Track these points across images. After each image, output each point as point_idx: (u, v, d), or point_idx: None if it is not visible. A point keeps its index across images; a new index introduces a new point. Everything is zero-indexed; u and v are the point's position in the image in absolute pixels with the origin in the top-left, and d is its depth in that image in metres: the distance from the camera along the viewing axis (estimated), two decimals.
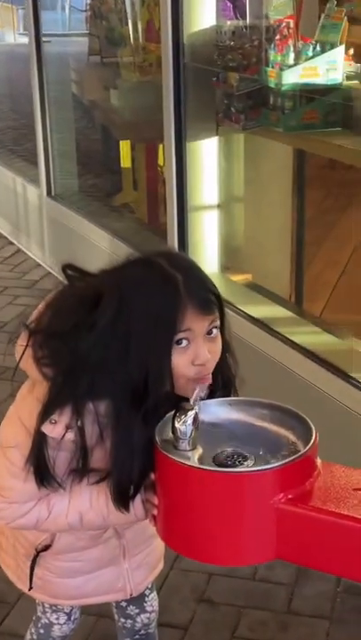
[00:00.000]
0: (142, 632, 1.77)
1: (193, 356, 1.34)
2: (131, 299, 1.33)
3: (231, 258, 3.59)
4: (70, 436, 1.33)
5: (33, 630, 1.74)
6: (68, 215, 4.43)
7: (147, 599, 1.74)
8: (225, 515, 1.28)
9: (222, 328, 1.39)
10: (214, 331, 1.37)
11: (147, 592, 1.73)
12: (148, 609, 1.75)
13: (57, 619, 1.69)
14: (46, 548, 1.54)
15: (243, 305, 3.20)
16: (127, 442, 1.33)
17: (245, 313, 3.14)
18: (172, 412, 1.33)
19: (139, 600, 1.72)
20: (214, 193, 3.41)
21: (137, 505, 1.37)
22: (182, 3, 3.12)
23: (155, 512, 1.35)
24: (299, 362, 2.83)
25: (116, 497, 1.37)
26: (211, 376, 1.37)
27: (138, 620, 1.75)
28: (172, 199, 3.36)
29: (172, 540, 1.35)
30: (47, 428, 1.33)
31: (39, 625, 1.72)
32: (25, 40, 4.82)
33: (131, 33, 4.38)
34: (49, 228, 4.65)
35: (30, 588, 1.60)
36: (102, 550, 1.56)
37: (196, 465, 1.28)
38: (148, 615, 1.75)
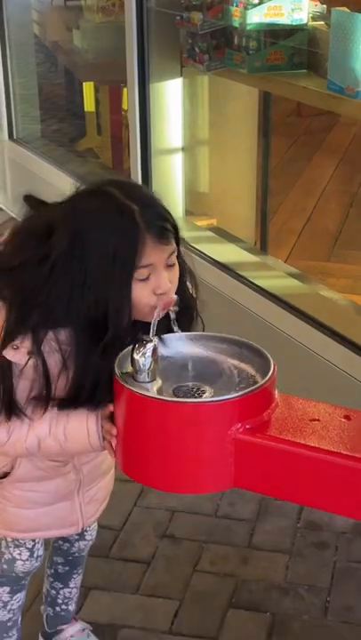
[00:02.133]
0: (76, 554, 1.83)
1: (155, 286, 1.35)
2: (85, 231, 1.32)
3: (195, 202, 3.57)
4: (32, 362, 1.35)
5: None
6: (31, 159, 4.36)
7: (88, 529, 1.78)
8: (183, 444, 1.30)
9: (179, 254, 1.41)
10: (173, 260, 1.37)
11: None
12: (88, 537, 1.81)
13: (19, 554, 1.70)
14: (5, 475, 1.55)
15: (207, 249, 3.20)
16: (84, 371, 1.35)
17: (209, 257, 3.14)
18: (132, 345, 1.34)
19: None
20: (179, 136, 3.38)
21: (92, 434, 1.39)
22: None
23: (114, 443, 1.36)
24: (263, 305, 2.84)
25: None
26: (171, 306, 1.38)
27: (75, 545, 1.80)
28: (136, 142, 3.32)
29: (132, 470, 1.37)
30: (9, 354, 1.35)
31: (2, 560, 1.74)
32: None
33: None
34: (11, 172, 4.58)
35: None
36: (60, 483, 1.59)
37: (155, 395, 1.30)
38: (85, 542, 1.81)
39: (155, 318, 1.34)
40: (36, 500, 1.61)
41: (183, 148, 3.42)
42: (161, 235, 1.34)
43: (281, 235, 4.16)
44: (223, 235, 3.42)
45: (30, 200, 1.45)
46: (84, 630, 1.91)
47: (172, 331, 1.42)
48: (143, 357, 1.31)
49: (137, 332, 1.37)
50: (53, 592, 1.86)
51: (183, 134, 3.39)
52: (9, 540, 1.71)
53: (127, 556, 2.23)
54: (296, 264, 3.57)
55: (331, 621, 2.02)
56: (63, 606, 1.87)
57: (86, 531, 1.77)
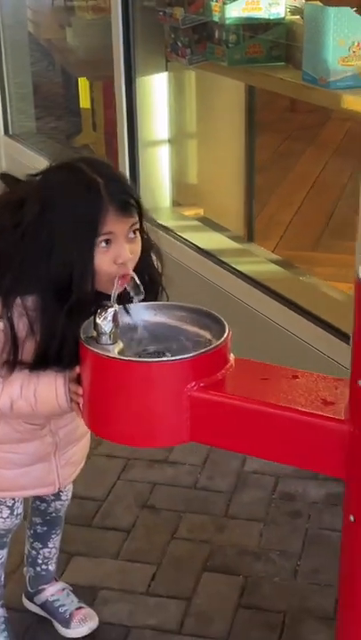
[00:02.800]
0: (53, 515, 1.94)
1: (115, 255, 1.46)
2: (54, 201, 1.44)
3: (183, 193, 3.68)
4: (1, 326, 1.46)
5: None
6: (27, 154, 4.48)
7: (64, 490, 1.90)
8: (142, 401, 1.41)
9: (142, 229, 1.52)
10: (134, 232, 1.49)
11: None
12: (63, 498, 1.92)
13: (0, 511, 1.81)
14: None
15: (193, 237, 3.31)
16: (50, 335, 1.45)
17: (195, 245, 3.25)
18: (94, 312, 1.45)
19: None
20: (165, 129, 3.49)
21: (60, 396, 1.50)
22: None
23: (80, 403, 1.47)
24: (246, 291, 2.94)
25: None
26: (131, 275, 1.48)
27: (52, 505, 1.92)
28: (123, 135, 3.44)
29: (96, 426, 1.48)
30: None
31: None
32: None
33: None
34: (7, 166, 4.70)
35: None
36: (38, 446, 1.70)
37: (116, 356, 1.41)
38: (61, 502, 1.93)
39: (115, 287, 1.45)
40: (15, 461, 1.72)
41: (170, 141, 3.53)
42: (123, 207, 1.46)
43: (270, 226, 4.27)
44: (210, 224, 3.53)
45: (6, 178, 1.57)
46: (63, 590, 2.02)
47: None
48: (105, 321, 1.42)
49: (100, 302, 1.48)
50: (34, 552, 1.97)
51: (170, 127, 3.50)
52: None
53: (108, 525, 2.34)
54: (283, 254, 3.67)
55: (300, 583, 2.13)
56: (43, 566, 1.98)
57: (62, 492, 1.88)
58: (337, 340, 2.58)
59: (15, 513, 1.83)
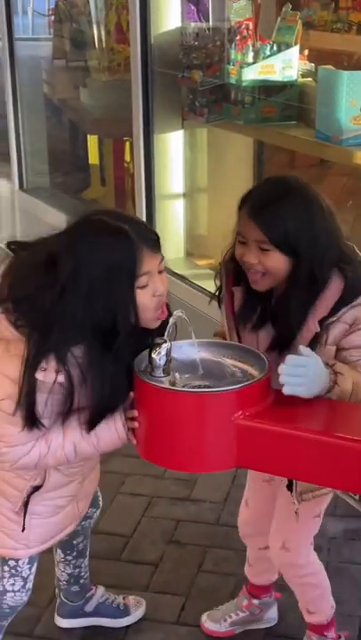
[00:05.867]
0: (86, 526, 2.06)
1: (153, 290, 1.57)
2: (85, 254, 1.51)
3: (196, 244, 3.84)
4: (60, 378, 1.53)
5: None
6: (40, 207, 4.65)
7: (99, 498, 2.05)
8: (193, 429, 1.53)
9: None
10: (163, 266, 1.61)
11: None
12: (101, 504, 2.08)
13: (12, 584, 1.83)
14: (36, 489, 1.72)
15: (206, 285, 3.45)
16: (101, 376, 1.54)
17: (209, 291, 3.38)
18: (150, 348, 1.57)
19: (95, 501, 2.03)
20: (180, 183, 3.67)
21: (120, 429, 1.59)
22: (150, 7, 3.38)
23: (134, 426, 1.58)
24: None
25: (92, 419, 1.59)
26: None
27: (94, 516, 2.06)
28: (141, 189, 3.61)
29: (149, 454, 1.59)
30: (40, 375, 1.52)
31: None
32: None
33: (95, 35, 4.62)
34: (21, 220, 4.86)
35: (23, 529, 1.75)
36: (76, 484, 1.79)
37: (170, 387, 1.53)
38: (96, 510, 2.06)
39: (170, 324, 1.57)
40: (61, 504, 1.79)
41: (184, 195, 3.71)
42: (154, 245, 1.58)
43: None
44: None
45: (12, 245, 1.64)
46: (105, 589, 2.20)
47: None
48: (159, 356, 1.55)
49: (139, 338, 1.58)
50: (78, 570, 2.09)
51: (184, 181, 3.68)
52: (5, 569, 1.83)
53: (137, 559, 2.43)
54: None
55: None
56: (84, 574, 2.12)
57: (98, 499, 2.06)
58: None
59: (27, 587, 1.85)
